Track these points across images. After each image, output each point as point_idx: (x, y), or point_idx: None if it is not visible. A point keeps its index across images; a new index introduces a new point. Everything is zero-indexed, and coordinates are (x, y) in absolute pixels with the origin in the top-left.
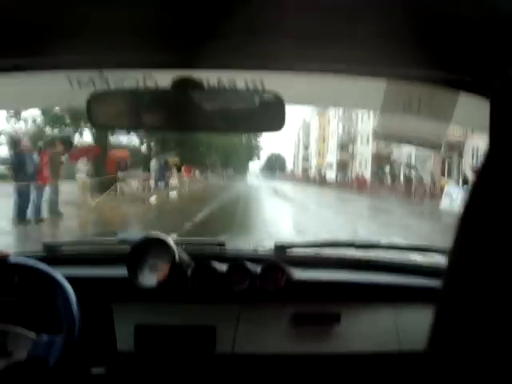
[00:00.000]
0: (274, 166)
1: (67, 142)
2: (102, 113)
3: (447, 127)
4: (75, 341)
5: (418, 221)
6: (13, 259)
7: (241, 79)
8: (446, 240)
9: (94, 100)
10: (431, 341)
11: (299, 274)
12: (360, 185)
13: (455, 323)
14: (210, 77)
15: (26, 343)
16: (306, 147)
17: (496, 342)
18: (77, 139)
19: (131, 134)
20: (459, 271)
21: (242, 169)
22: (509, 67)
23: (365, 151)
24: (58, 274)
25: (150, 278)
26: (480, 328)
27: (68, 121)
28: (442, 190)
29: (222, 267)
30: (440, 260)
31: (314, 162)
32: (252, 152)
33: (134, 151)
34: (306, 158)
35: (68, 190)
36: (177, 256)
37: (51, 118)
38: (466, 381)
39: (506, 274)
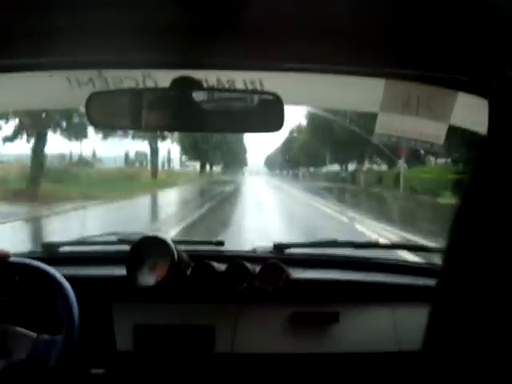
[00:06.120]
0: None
1: None
2: (101, 112)
3: (446, 127)
4: (75, 340)
5: None
6: (13, 259)
7: (240, 79)
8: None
9: (94, 100)
10: (426, 340)
11: (298, 273)
12: None
13: (449, 322)
14: (209, 77)
15: (26, 343)
16: None
17: (490, 340)
18: None
19: None
20: (453, 270)
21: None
22: (507, 67)
23: None
24: (58, 273)
25: (149, 278)
26: (474, 327)
27: None
28: None
29: (221, 267)
30: (438, 259)
31: None
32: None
33: None
34: None
35: None
36: (176, 256)
37: None
38: (461, 379)
39: (501, 273)
